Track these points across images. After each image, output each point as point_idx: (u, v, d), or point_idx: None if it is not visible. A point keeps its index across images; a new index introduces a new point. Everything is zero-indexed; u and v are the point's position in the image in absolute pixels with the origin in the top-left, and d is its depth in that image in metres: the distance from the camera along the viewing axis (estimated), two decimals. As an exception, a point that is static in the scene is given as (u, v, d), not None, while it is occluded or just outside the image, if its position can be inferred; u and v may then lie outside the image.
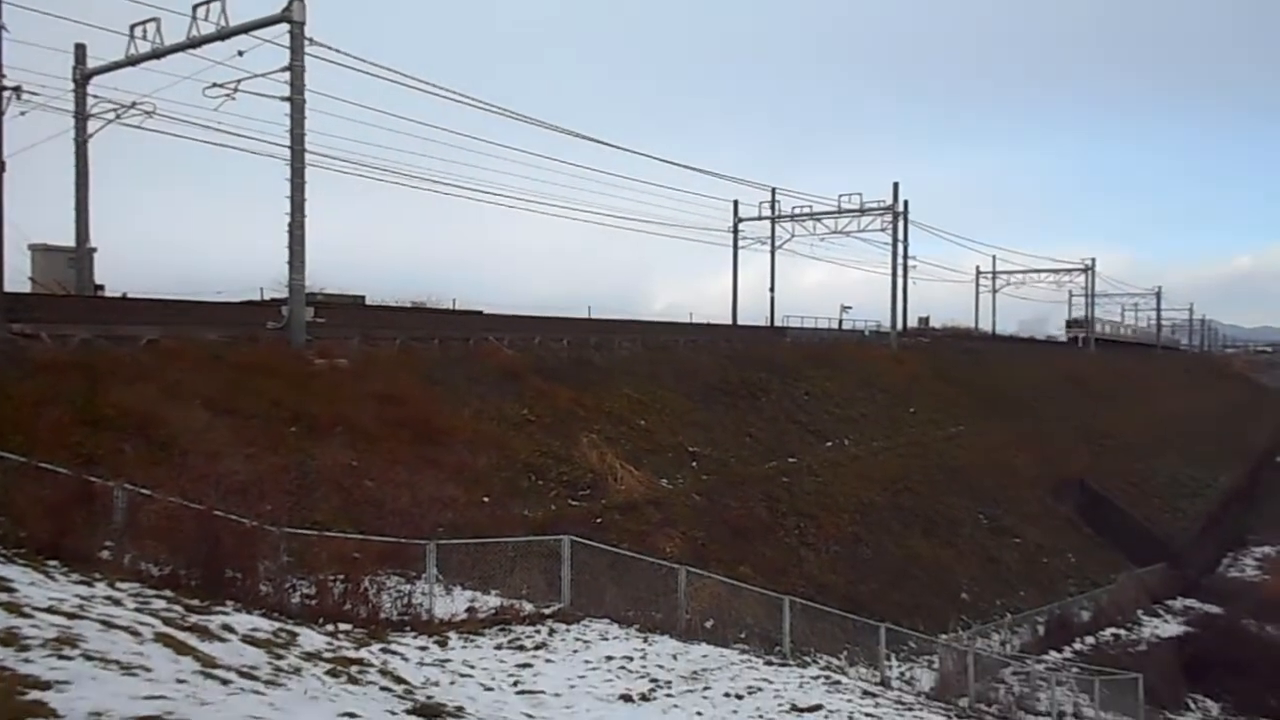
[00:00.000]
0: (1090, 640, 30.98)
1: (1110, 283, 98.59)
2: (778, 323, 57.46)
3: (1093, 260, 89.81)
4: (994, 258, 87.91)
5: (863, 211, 56.66)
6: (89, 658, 5.75)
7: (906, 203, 57.91)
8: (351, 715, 6.01)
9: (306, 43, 25.10)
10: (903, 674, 20.16)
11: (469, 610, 14.26)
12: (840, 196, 56.63)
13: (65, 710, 4.36)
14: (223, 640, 8.38)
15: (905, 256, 59.63)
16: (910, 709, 12.60)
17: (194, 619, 9.00)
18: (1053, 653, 28.42)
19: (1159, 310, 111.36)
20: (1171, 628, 34.36)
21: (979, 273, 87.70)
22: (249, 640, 8.84)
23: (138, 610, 8.59)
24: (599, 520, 23.34)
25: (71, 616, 7.07)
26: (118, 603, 8.83)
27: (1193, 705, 25.98)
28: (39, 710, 4.31)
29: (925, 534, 33.43)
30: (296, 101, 25.07)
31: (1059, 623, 31.07)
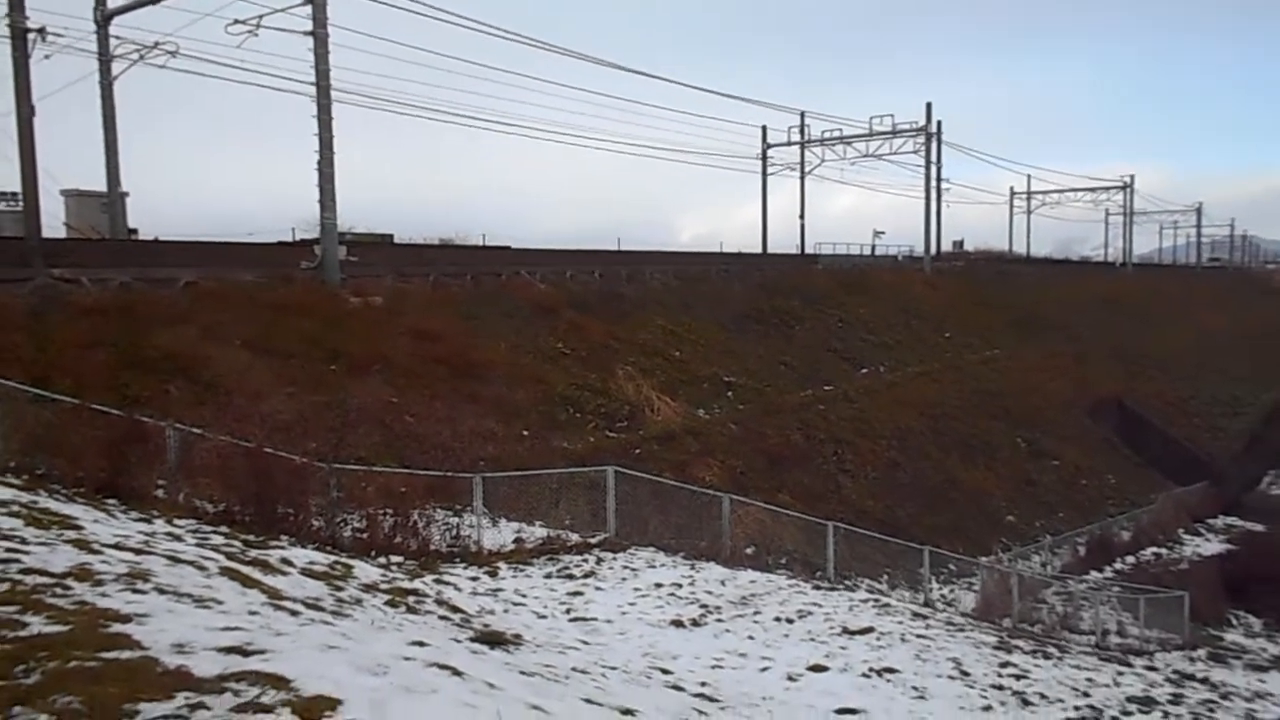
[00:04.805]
0: (1131, 560, 30.98)
1: (1149, 199, 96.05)
2: (808, 250, 56.74)
3: (1131, 178, 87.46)
4: (1028, 177, 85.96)
5: (894, 133, 55.35)
6: (162, 591, 5.81)
7: (940, 123, 56.48)
8: (421, 644, 6.06)
9: (326, -26, 24.60)
10: (943, 596, 20.25)
11: (516, 541, 14.43)
12: (872, 118, 55.40)
13: (149, 642, 4.38)
14: (284, 573, 8.49)
15: (939, 179, 58.40)
16: (961, 629, 12.64)
17: (253, 553, 9.13)
18: (1093, 573, 28.44)
19: (1199, 228, 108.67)
20: (1213, 546, 34.26)
21: (1013, 193, 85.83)
22: (308, 573, 8.96)
23: (199, 545, 8.72)
24: (637, 451, 23.45)
25: (138, 552, 7.16)
26: (179, 538, 8.96)
27: (1235, 621, 25.94)
28: (124, 642, 4.34)
29: (963, 458, 33.34)
30: (319, 36, 24.67)
31: (1099, 543, 31.05)
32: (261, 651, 4.63)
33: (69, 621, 4.61)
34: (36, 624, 4.49)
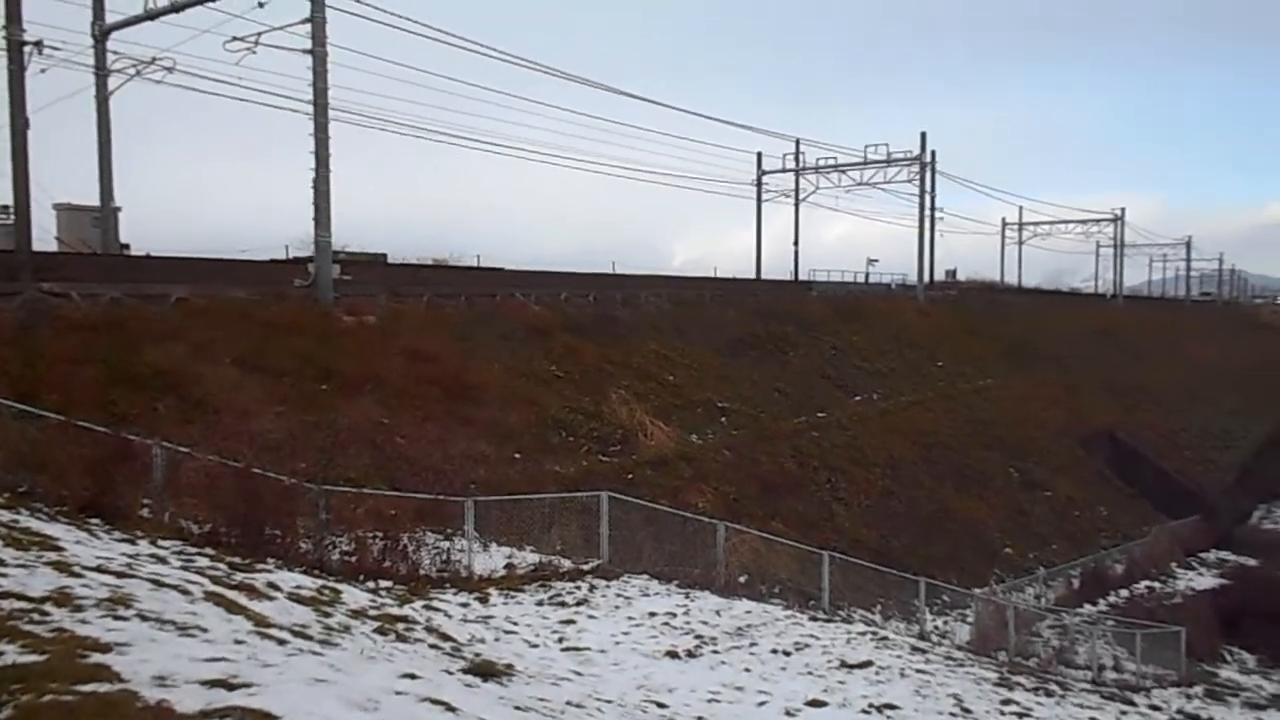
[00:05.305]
0: (1124, 593, 30.80)
1: (1140, 232, 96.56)
2: (802, 276, 56.77)
3: (1121, 210, 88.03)
4: (1020, 208, 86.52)
5: (889, 162, 55.59)
6: (144, 618, 5.59)
7: (934, 153, 56.77)
8: (412, 676, 5.84)
9: (326, -7, 24.58)
10: (937, 628, 20.00)
11: (508, 567, 14.16)
12: (866, 147, 55.62)
13: (129, 674, 4.17)
14: (270, 598, 8.25)
15: (933, 208, 58.62)
16: (960, 664, 12.42)
17: (239, 577, 8.88)
18: (1087, 606, 28.24)
19: (1189, 261, 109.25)
20: (1206, 580, 34.11)
21: (1005, 224, 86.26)
22: (295, 598, 8.71)
23: (183, 568, 8.48)
24: (630, 476, 23.20)
25: (120, 575, 6.93)
26: (163, 561, 8.72)
27: (1229, 657, 25.74)
28: (103, 674, 4.13)
29: (956, 488, 33.17)
30: (318, 54, 24.61)
31: (1093, 576, 30.87)
32: (248, 685, 4.41)
33: (45, 650, 4.38)
34: (11, 653, 4.27)
